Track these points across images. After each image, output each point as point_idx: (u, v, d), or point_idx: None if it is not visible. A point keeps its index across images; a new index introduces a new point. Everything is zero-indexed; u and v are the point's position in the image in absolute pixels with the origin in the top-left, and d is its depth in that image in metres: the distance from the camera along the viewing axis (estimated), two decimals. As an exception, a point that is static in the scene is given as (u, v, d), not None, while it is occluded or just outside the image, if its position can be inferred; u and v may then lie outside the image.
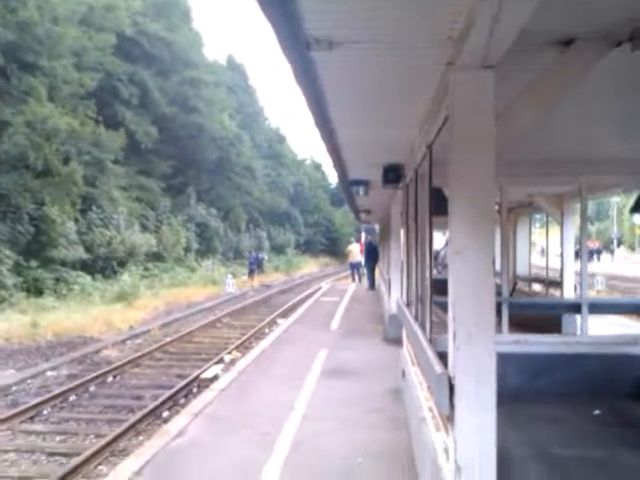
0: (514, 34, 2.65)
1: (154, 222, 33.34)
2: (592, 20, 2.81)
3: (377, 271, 25.03)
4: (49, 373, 11.88)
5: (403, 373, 6.83)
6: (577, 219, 8.40)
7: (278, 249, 54.37)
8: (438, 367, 3.28)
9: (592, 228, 59.32)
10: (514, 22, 2.52)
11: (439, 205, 3.78)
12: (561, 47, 3.02)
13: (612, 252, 55.74)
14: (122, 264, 28.10)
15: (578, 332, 6.57)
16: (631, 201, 10.56)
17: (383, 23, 2.88)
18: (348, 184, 10.41)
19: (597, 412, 5.00)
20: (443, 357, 3.31)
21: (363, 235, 43.01)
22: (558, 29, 2.93)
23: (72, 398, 9.99)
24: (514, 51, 2.87)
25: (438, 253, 23.00)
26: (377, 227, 29.54)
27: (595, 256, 40.12)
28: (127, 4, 32.53)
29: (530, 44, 2.99)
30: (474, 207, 3.04)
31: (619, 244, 59.74)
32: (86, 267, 25.51)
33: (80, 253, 25.08)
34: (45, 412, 9.22)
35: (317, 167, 76.06)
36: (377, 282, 24.00)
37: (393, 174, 7.70)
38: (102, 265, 26.92)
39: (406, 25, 2.92)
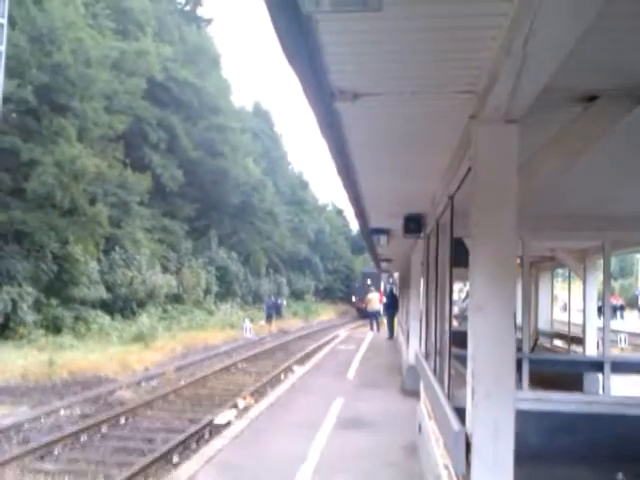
0: (537, 90, 2.66)
1: (175, 264, 33.55)
2: (616, 77, 2.82)
3: (396, 321, 24.78)
4: (62, 412, 11.80)
5: (419, 427, 6.66)
6: (600, 275, 8.26)
7: (297, 295, 54.22)
8: (455, 424, 3.19)
9: (615, 284, 58.35)
10: (537, 78, 2.54)
11: (460, 256, 3.75)
12: (585, 103, 3.03)
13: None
14: (141, 305, 28.18)
15: (600, 391, 6.37)
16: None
17: (406, 74, 2.92)
18: (369, 232, 10.43)
19: (620, 477, 4.80)
20: (461, 412, 3.23)
21: (382, 284, 42.87)
22: (582, 85, 2.94)
23: (84, 438, 9.88)
24: (537, 106, 2.88)
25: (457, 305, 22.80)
26: (390, 275, 29.57)
27: (618, 312, 39.26)
28: (158, 50, 33.49)
29: (553, 99, 3.00)
30: (495, 260, 3.01)
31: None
32: (106, 307, 25.63)
33: (101, 292, 25.24)
34: (56, 451, 9.14)
35: (339, 213, 76.29)
36: (396, 332, 23.73)
37: (414, 224, 7.70)
38: (122, 305, 27.02)
39: (429, 78, 2.96)
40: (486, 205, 3.08)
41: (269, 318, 35.31)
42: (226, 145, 39.80)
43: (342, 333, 29.42)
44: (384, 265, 21.65)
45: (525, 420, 4.17)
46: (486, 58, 2.63)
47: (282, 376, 16.55)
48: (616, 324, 23.92)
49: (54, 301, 22.72)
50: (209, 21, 46.44)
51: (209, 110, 39.12)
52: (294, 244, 54.94)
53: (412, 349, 10.84)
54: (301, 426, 8.63)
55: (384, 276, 44.31)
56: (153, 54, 32.29)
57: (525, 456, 3.35)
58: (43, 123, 23.82)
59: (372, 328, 29.36)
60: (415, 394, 8.28)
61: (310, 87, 3.00)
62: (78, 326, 22.77)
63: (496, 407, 2.90)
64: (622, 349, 21.71)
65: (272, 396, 11.25)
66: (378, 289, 40.70)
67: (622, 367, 6.90)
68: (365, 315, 41.02)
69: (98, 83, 25.76)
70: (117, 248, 27.83)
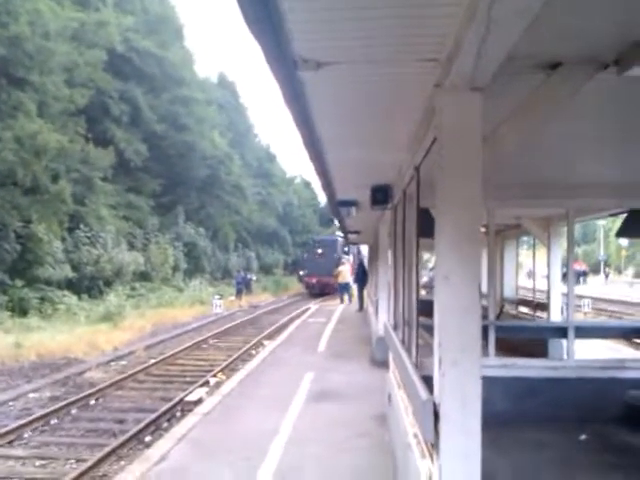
0: (501, 57, 2.64)
1: (142, 241, 33.14)
2: (578, 44, 2.81)
3: (365, 292, 24.98)
4: (31, 395, 11.66)
5: (389, 397, 6.74)
6: (564, 242, 8.40)
7: (267, 269, 54.19)
8: (423, 393, 3.21)
9: (579, 250, 59.76)
10: (501, 45, 2.51)
11: (427, 227, 3.74)
12: (548, 70, 3.02)
13: (607, 275, 55.84)
14: (109, 284, 27.84)
15: (565, 356, 6.52)
16: (617, 224, 10.61)
17: (369, 43, 2.86)
18: (337, 204, 10.39)
19: (583, 437, 4.94)
20: (429, 381, 3.25)
21: (350, 257, 42.64)
22: (545, 52, 2.92)
23: (54, 421, 9.79)
24: (501, 74, 2.86)
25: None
26: (352, 242, 29.64)
27: (581, 278, 40.23)
28: (118, 20, 32.55)
29: (517, 67, 2.98)
30: (461, 230, 3.00)
31: (606, 266, 60.13)
32: (72, 286, 25.24)
33: (66, 272, 24.83)
34: (26, 436, 9.03)
35: (307, 185, 76.00)
36: (366, 303, 23.92)
37: (381, 195, 7.67)
38: (88, 284, 26.64)
39: (393, 46, 2.90)
40: (451, 175, 3.06)
41: (239, 293, 35.26)
42: (191, 118, 39.23)
43: (313, 306, 29.55)
44: (353, 237, 21.68)
45: (492, 386, 4.23)
46: (450, 24, 2.58)
47: (253, 351, 16.59)
48: (580, 289, 24.50)
49: (19, 282, 22.29)
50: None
51: (173, 82, 38.41)
52: (262, 218, 54.75)
53: (381, 320, 10.93)
54: (273, 400, 8.68)
55: (341, 243, 41.08)
56: (114, 25, 31.43)
57: (492, 421, 3.41)
58: (1, 97, 23.10)
59: (342, 301, 29.57)
60: (385, 365, 8.37)
61: (272, 56, 2.93)
62: (44, 307, 22.43)
63: (463, 375, 2.92)
64: (585, 314, 22.29)
65: (243, 371, 11.28)
66: (335, 259, 38.68)
67: (585, 332, 7.05)
68: (318, 293, 40.10)
69: (57, 56, 25.03)
70: (82, 226, 27.35)
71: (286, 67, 3.12)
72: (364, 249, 35.35)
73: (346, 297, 29.72)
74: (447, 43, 2.76)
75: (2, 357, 14.92)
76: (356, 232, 19.05)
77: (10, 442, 8.69)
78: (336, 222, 20.15)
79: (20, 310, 21.49)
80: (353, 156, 6.09)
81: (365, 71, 3.27)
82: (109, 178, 30.45)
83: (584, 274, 43.53)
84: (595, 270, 59.08)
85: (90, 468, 7.37)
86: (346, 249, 42.45)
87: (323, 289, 40.58)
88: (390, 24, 2.67)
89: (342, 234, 27.59)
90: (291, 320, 23.60)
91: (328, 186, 8.33)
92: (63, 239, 25.87)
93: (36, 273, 23.26)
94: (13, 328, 18.88)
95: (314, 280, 40.95)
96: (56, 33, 25.26)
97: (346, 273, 30.03)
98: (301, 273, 44.87)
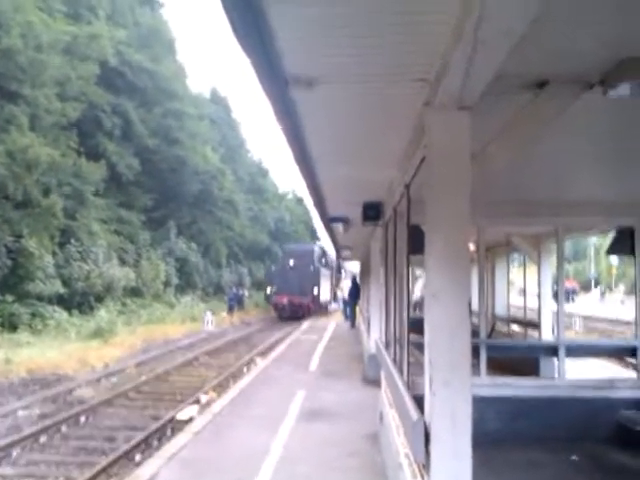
0: (489, 76, 2.66)
1: (133, 256, 32.91)
2: (564, 63, 2.84)
3: (357, 309, 24.92)
4: (21, 412, 11.47)
5: (381, 416, 6.70)
6: (554, 259, 8.42)
7: (259, 285, 53.96)
8: (414, 413, 3.20)
9: (570, 268, 59.88)
10: (488, 65, 2.54)
11: (418, 243, 3.74)
12: (535, 89, 3.05)
13: (602, 293, 55.50)
14: (100, 299, 27.61)
15: (556, 375, 6.51)
16: (607, 241, 10.64)
17: (360, 61, 2.89)
18: (328, 220, 10.40)
19: (574, 457, 4.92)
20: (420, 400, 3.23)
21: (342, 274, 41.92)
22: (532, 72, 2.95)
23: (43, 439, 9.63)
24: (489, 93, 2.89)
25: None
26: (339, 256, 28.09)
27: (571, 296, 40.07)
28: (111, 34, 32.57)
29: (505, 86, 3.01)
30: (450, 247, 3.01)
31: (596, 284, 60.31)
32: (63, 302, 25.02)
33: (57, 287, 24.61)
34: (14, 454, 8.87)
35: (299, 201, 75.99)
36: (358, 320, 23.86)
37: (373, 212, 7.68)
38: (79, 300, 26.41)
39: (382, 65, 2.93)
40: (440, 192, 3.08)
41: (231, 310, 35.04)
42: (183, 132, 39.20)
43: (305, 323, 29.42)
44: (345, 254, 21.69)
45: (483, 406, 4.22)
46: (438, 44, 2.61)
47: (245, 369, 16.46)
48: (569, 307, 24.55)
49: (9, 297, 22.06)
50: (163, 4, 45.32)
51: (165, 96, 38.42)
52: (255, 233, 54.61)
53: (373, 338, 10.89)
54: (264, 419, 8.59)
55: (319, 254, 35.44)
56: (106, 38, 31.42)
57: (483, 441, 3.39)
58: (-7, 111, 23.01)
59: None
60: (377, 383, 8.33)
61: (263, 73, 2.95)
62: (35, 322, 22.16)
63: (453, 394, 2.91)
64: (576, 332, 22.33)
65: (235, 389, 11.17)
66: (311, 274, 32.91)
67: (576, 351, 7.05)
68: (289, 316, 32.74)
69: (50, 69, 24.97)
70: (73, 240, 27.13)
71: (277, 84, 3.14)
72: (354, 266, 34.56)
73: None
74: (435, 63, 2.79)
75: (-9, 373, 14.74)
76: (348, 247, 19.07)
77: (-2, 460, 8.56)
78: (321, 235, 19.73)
79: (10, 325, 21.23)
80: (344, 173, 6.12)
81: (356, 90, 3.29)
82: (100, 192, 30.30)
83: (572, 292, 43.32)
84: (586, 287, 59.23)
85: (79, 487, 7.26)
86: (339, 261, 37.98)
87: (296, 312, 33.10)
88: (381, 43, 2.69)
89: (325, 245, 26.42)
90: (283, 337, 23.49)
91: (319, 203, 8.35)
92: (54, 254, 25.67)
93: (27, 288, 23.04)
94: (2, 343, 18.64)
95: (284, 300, 33.28)
96: (48, 46, 25.22)
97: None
98: (268, 291, 36.46)
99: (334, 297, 41.58)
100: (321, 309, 34.81)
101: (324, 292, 33.90)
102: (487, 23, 2.19)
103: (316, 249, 35.96)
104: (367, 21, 2.50)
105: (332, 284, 35.98)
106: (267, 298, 36.57)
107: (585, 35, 2.55)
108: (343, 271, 42.29)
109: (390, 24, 2.52)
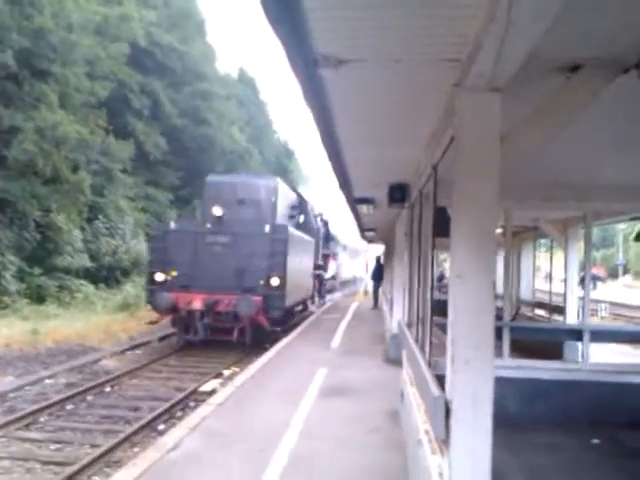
0: (521, 58, 2.65)
1: (160, 233, 33.24)
2: (599, 47, 2.81)
3: (380, 290, 24.97)
4: (47, 381, 11.82)
5: (402, 394, 6.77)
6: (582, 245, 8.35)
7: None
8: (435, 390, 3.24)
9: (597, 254, 59.07)
10: (521, 46, 2.53)
11: (444, 226, 3.76)
12: (568, 73, 3.02)
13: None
14: (126, 274, 28.06)
15: (579, 359, 6.50)
16: (637, 228, 10.51)
17: (390, 41, 2.88)
18: (353, 202, 10.41)
19: (595, 441, 4.93)
20: (442, 380, 3.28)
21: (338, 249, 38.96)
22: (565, 55, 2.93)
23: (69, 407, 9.93)
24: (521, 75, 2.87)
25: (443, 275, 22.95)
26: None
27: (595, 282, 39.30)
28: (141, 15, 32.70)
29: (537, 69, 2.99)
30: (477, 229, 3.02)
31: (625, 272, 59.36)
32: (90, 276, 25.50)
33: (85, 261, 25.09)
34: (42, 420, 9.16)
35: (324, 183, 75.90)
36: (380, 300, 23.92)
37: (399, 193, 7.68)
38: (106, 274, 26.90)
39: (413, 44, 2.92)
40: (469, 174, 3.08)
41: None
42: (211, 112, 39.27)
43: (328, 302, 29.51)
44: (369, 235, 21.66)
45: (505, 386, 4.25)
46: (470, 25, 2.60)
47: (267, 345, 16.63)
48: (595, 294, 24.28)
49: (37, 270, 22.55)
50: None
51: (193, 76, 38.51)
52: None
53: (395, 318, 10.95)
54: (285, 394, 8.73)
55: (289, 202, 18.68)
56: (136, 19, 31.56)
57: (505, 422, 3.43)
58: (24, 89, 23.31)
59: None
60: (398, 362, 8.39)
61: (293, 52, 2.96)
62: (62, 295, 22.68)
63: (475, 374, 2.95)
64: (602, 318, 22.11)
65: (257, 364, 11.33)
66: (269, 244, 13.22)
67: (601, 336, 7.02)
68: (204, 339, 13.01)
69: (80, 48, 25.19)
70: (100, 217, 27.59)
71: (306, 64, 3.15)
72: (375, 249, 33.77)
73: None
74: (467, 43, 2.78)
75: (20, 343, 15.13)
76: (372, 229, 19.06)
77: (27, 425, 8.84)
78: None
79: (38, 298, 21.76)
80: (371, 154, 6.12)
81: (385, 70, 3.28)
82: (129, 170, 30.67)
83: (596, 279, 42.44)
84: (613, 275, 58.36)
85: (104, 453, 7.48)
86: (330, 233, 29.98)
87: (224, 329, 15.24)
88: (409, 23, 2.69)
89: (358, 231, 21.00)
90: (305, 316, 23.62)
91: (345, 184, 8.35)
92: (82, 229, 26.14)
93: (55, 262, 23.54)
94: (30, 315, 19.11)
95: (196, 303, 15.08)
96: (79, 26, 25.44)
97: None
98: (157, 280, 15.84)
99: (319, 288, 26.33)
100: (288, 317, 17.77)
101: (298, 282, 17.52)
102: (519, 3, 2.18)
103: (281, 188, 18.32)
104: (399, 0, 2.51)
105: (315, 263, 22.14)
106: (151, 297, 16.04)
107: (620, 17, 2.52)
108: (337, 244, 34.67)
109: (422, 3, 2.52)
